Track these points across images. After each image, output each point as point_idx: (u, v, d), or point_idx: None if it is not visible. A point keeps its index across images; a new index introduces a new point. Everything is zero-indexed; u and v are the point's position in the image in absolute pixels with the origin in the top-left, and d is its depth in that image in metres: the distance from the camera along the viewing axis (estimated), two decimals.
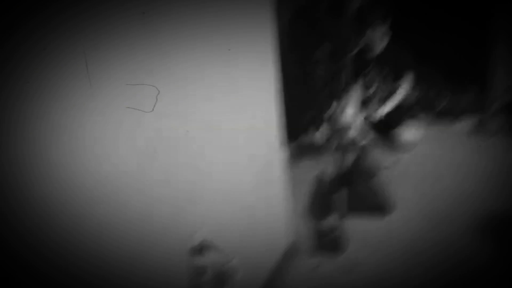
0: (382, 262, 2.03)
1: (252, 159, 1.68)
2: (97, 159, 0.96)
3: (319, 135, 3.37)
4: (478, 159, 2.91)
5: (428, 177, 2.71)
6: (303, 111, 3.39)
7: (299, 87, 3.31)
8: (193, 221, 1.33)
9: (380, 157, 2.45)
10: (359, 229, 2.25)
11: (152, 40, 1.08)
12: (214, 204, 1.43)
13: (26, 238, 0.83)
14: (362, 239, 2.18)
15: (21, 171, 0.81)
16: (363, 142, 2.88)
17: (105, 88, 0.95)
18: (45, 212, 0.85)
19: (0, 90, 0.76)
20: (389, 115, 3.17)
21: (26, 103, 0.81)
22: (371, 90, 3.38)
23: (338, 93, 4.01)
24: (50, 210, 0.87)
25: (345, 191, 2.35)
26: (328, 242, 2.16)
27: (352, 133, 2.95)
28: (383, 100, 3.32)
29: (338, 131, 3.00)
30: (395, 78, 3.29)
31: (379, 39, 3.28)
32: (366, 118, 3.07)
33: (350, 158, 2.71)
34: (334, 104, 3.72)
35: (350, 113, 3.01)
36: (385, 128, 3.16)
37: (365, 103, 3.40)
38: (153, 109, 1.09)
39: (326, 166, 2.94)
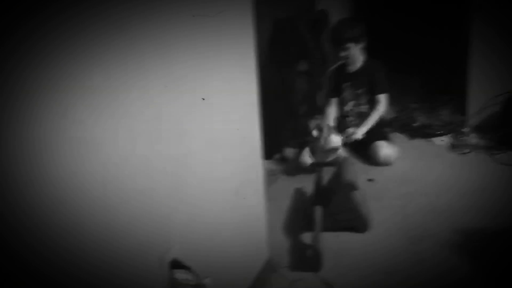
0: (359, 279, 2.01)
1: (230, 174, 1.65)
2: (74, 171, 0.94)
3: (298, 151, 3.36)
4: (456, 175, 2.92)
5: (405, 193, 2.70)
6: (283, 126, 3.38)
7: (278, 102, 3.30)
8: (168, 238, 1.29)
9: (357, 174, 2.44)
10: (336, 246, 2.23)
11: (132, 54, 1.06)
12: (189, 220, 1.40)
13: None
14: (339, 255, 2.16)
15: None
16: (340, 160, 2.88)
17: None
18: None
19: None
20: (366, 132, 3.18)
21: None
22: (348, 108, 3.39)
23: (315, 110, 4.03)
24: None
25: (322, 207, 2.33)
26: (305, 259, 2.14)
27: (330, 150, 2.95)
28: (360, 117, 3.33)
29: (316, 148, 2.99)
30: (372, 95, 3.31)
31: (356, 57, 3.30)
32: (343, 136, 3.07)
33: (327, 175, 2.70)
34: (312, 120, 3.73)
35: (328, 130, 3.01)
36: (362, 146, 3.16)
37: (341, 121, 3.41)
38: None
39: (304, 182, 2.93)
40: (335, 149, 2.94)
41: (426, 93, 3.87)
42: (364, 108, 3.35)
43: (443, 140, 3.47)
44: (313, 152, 3.02)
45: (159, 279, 1.26)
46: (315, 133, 3.02)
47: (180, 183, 1.34)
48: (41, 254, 0.88)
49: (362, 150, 3.19)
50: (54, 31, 0.86)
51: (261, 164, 1.93)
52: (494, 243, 2.17)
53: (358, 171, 2.51)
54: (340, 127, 3.33)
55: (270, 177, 3.02)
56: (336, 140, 2.95)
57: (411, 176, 2.93)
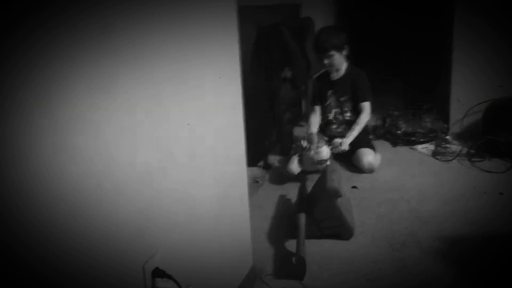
0: (344, 286, 2.00)
1: (213, 181, 1.64)
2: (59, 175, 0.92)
3: (282, 159, 3.36)
4: (439, 182, 2.94)
5: (388, 200, 2.71)
6: (267, 133, 3.38)
7: (263, 109, 3.30)
8: (149, 246, 1.27)
9: (341, 182, 2.44)
10: (321, 253, 2.22)
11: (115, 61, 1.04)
12: (171, 228, 1.38)
13: None
14: (323, 263, 2.15)
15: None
16: (325, 167, 2.88)
17: None
18: None
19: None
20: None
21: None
22: (331, 115, 3.41)
23: (300, 117, 4.04)
24: None
25: (306, 215, 2.32)
26: (289, 267, 2.13)
27: (319, 161, 2.95)
28: (344, 124, 3.35)
29: (305, 158, 2.99)
30: (355, 103, 3.33)
31: (339, 65, 3.33)
32: (330, 147, 3.07)
33: (311, 182, 2.70)
34: (296, 128, 3.74)
35: (318, 141, 3.01)
36: (346, 153, 3.17)
37: (325, 128, 3.42)
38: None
39: (288, 190, 2.93)
40: (324, 161, 2.94)
41: (410, 101, 3.90)
42: (347, 115, 3.37)
43: (426, 148, 3.50)
44: (301, 162, 3.02)
45: None
46: (304, 143, 3.02)
47: (162, 191, 1.32)
48: (20, 261, 0.86)
49: (346, 157, 3.20)
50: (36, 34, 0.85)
51: (245, 171, 1.92)
52: (477, 250, 2.18)
53: (342, 178, 2.51)
54: (325, 135, 3.34)
55: (254, 184, 3.01)
56: (326, 152, 2.95)
57: (394, 183, 2.95)
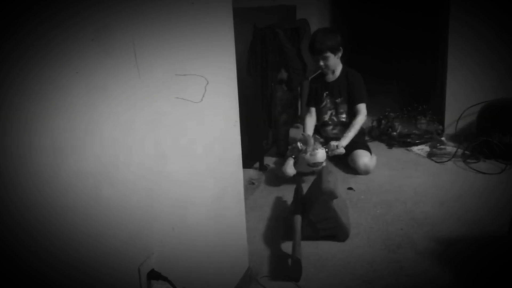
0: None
1: (209, 183, 1.63)
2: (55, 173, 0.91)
3: (278, 160, 3.36)
4: (434, 183, 2.94)
5: (384, 202, 2.71)
6: (263, 135, 3.38)
7: (259, 111, 3.30)
8: (145, 248, 1.27)
9: (337, 183, 2.44)
10: (316, 255, 2.22)
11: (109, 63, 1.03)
12: (167, 230, 1.37)
13: None
14: (319, 264, 2.15)
15: None
16: (320, 168, 2.88)
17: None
18: None
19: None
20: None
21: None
22: (327, 117, 3.41)
23: (296, 118, 4.04)
24: None
25: (302, 216, 2.32)
26: (285, 268, 2.12)
27: (315, 164, 2.94)
28: (340, 126, 3.35)
29: (301, 160, 2.99)
30: (351, 105, 3.33)
31: (334, 66, 3.33)
32: (327, 149, 3.06)
33: (307, 184, 2.70)
34: (292, 129, 3.74)
35: (314, 144, 3.01)
36: (341, 154, 3.17)
37: (321, 130, 3.42)
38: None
39: (284, 191, 2.92)
40: (320, 163, 2.94)
41: (405, 103, 3.91)
42: (343, 117, 3.37)
43: (421, 149, 3.51)
44: (297, 164, 3.02)
45: None
46: (300, 145, 3.01)
47: (158, 192, 1.32)
48: (14, 261, 0.85)
49: (342, 159, 3.20)
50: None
51: (241, 172, 1.92)
52: (473, 252, 2.18)
53: (338, 180, 2.51)
54: (320, 136, 3.34)
55: (250, 186, 3.00)
56: (322, 155, 2.95)
57: (390, 185, 2.95)
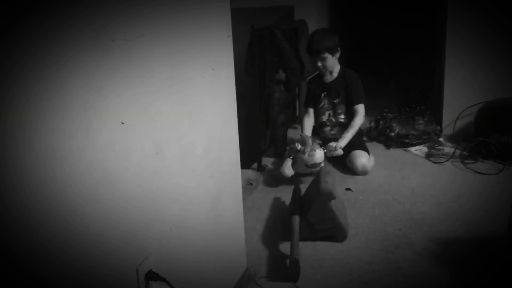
0: None
1: (208, 183, 1.63)
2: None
3: (277, 161, 3.36)
4: (432, 184, 2.95)
5: (382, 202, 2.71)
6: (261, 135, 3.38)
7: (256, 111, 3.30)
8: (143, 248, 1.27)
9: (335, 184, 2.44)
10: (315, 255, 2.22)
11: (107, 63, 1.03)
12: (165, 231, 1.37)
13: None
14: (317, 265, 2.15)
15: None
16: (318, 169, 2.88)
17: None
18: None
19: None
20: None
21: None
22: (325, 117, 3.41)
23: (293, 119, 4.04)
24: None
25: (300, 217, 2.32)
26: (283, 269, 2.12)
27: (313, 165, 2.94)
28: (338, 126, 3.35)
29: (299, 161, 2.99)
30: (349, 105, 3.33)
31: (332, 67, 3.33)
32: (325, 150, 3.06)
33: (305, 184, 2.69)
34: (290, 130, 3.74)
35: (312, 144, 3.01)
36: (340, 155, 3.17)
37: (319, 130, 3.42)
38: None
39: (282, 192, 2.92)
40: (318, 164, 2.94)
41: (403, 103, 3.91)
42: (341, 117, 3.37)
43: (419, 150, 3.51)
44: (295, 164, 3.02)
45: None
46: (298, 146, 3.01)
47: (156, 192, 1.31)
48: (14, 261, 0.85)
49: (340, 159, 3.20)
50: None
51: (239, 173, 1.92)
52: (471, 252, 2.18)
53: (336, 180, 2.51)
54: (318, 137, 3.34)
55: (248, 187, 3.00)
56: (320, 156, 2.95)
57: (388, 185, 2.95)
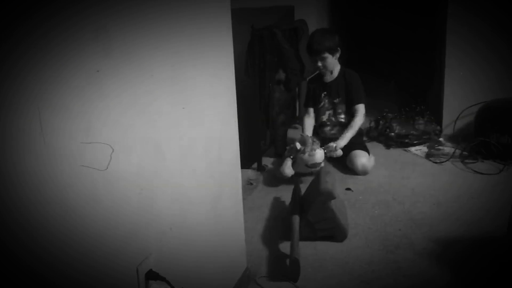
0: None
1: (208, 183, 1.63)
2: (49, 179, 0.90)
3: (277, 161, 3.36)
4: (432, 184, 2.95)
5: (382, 202, 2.72)
6: (261, 135, 3.37)
7: (256, 111, 3.30)
8: (143, 248, 1.27)
9: (335, 184, 2.44)
10: (314, 255, 2.22)
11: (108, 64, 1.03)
12: (165, 230, 1.37)
13: None
14: (317, 265, 2.15)
15: None
16: (318, 169, 2.88)
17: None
18: None
19: None
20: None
21: None
22: (325, 117, 3.41)
23: (294, 119, 4.04)
24: None
25: (300, 217, 2.32)
26: (283, 268, 2.12)
27: (313, 164, 2.94)
28: (338, 126, 3.35)
29: (299, 161, 2.99)
30: (349, 105, 3.34)
31: (332, 67, 3.33)
32: (325, 150, 3.06)
33: (305, 184, 2.69)
34: (290, 130, 3.74)
35: (312, 144, 3.01)
36: (339, 156, 3.17)
37: (319, 130, 3.42)
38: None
39: (282, 192, 2.92)
40: (318, 164, 2.94)
41: (403, 103, 3.91)
42: (341, 117, 3.37)
43: (419, 149, 3.51)
44: (295, 164, 3.02)
45: None
46: (298, 145, 3.01)
47: (155, 192, 1.31)
48: (14, 261, 0.85)
49: (340, 159, 3.20)
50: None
51: (239, 173, 1.92)
52: (471, 252, 2.18)
53: (336, 180, 2.51)
54: (318, 137, 3.34)
55: (248, 186, 3.00)
56: (320, 155, 2.95)
57: (388, 185, 2.95)
